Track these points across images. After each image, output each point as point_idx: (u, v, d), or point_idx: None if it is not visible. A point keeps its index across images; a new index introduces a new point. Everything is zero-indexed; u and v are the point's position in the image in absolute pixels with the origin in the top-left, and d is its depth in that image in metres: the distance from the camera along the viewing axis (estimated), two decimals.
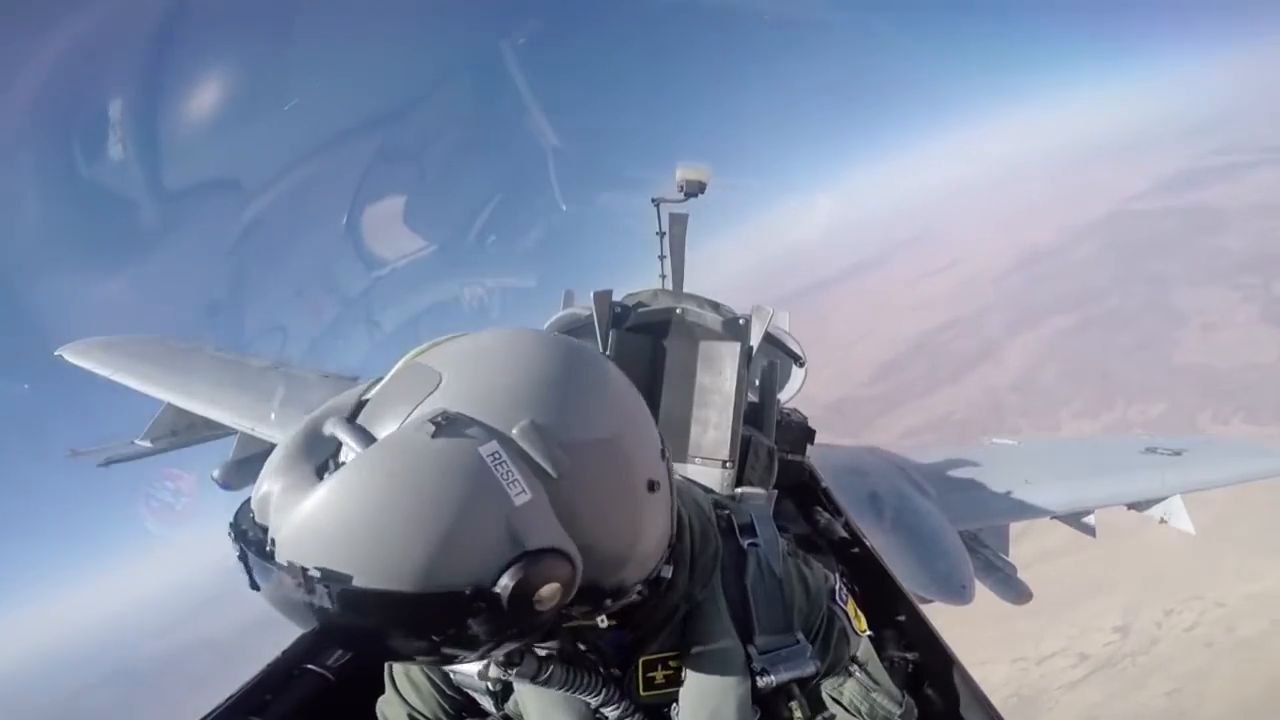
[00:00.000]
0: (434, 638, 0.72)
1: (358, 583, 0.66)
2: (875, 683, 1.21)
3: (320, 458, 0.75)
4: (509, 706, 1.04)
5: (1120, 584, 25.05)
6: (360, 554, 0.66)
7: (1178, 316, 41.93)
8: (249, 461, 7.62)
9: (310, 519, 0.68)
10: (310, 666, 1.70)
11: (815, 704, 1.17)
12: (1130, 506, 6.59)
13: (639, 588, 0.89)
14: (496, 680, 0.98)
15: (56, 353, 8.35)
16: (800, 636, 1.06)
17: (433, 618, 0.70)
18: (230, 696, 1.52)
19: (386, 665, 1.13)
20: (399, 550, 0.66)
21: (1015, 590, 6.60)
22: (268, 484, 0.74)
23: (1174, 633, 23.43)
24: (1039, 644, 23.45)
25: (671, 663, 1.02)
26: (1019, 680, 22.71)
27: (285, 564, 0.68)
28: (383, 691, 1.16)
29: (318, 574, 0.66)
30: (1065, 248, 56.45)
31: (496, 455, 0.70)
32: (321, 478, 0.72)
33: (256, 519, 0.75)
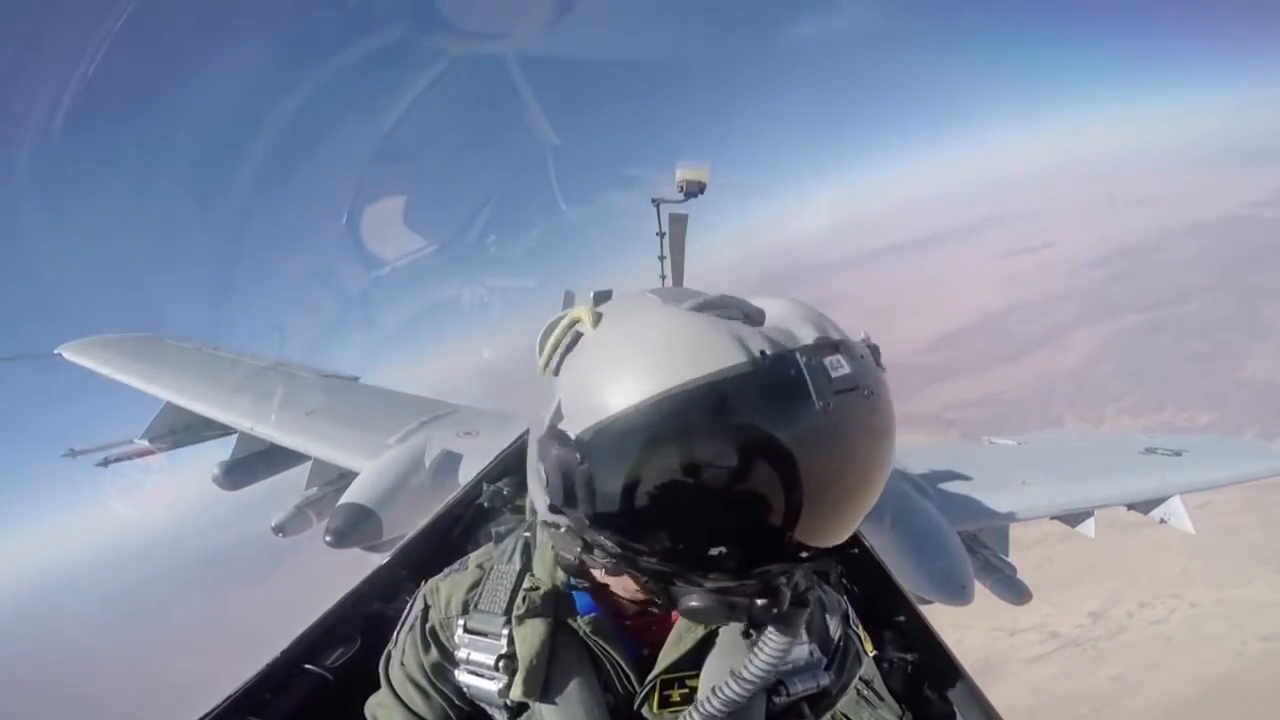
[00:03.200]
0: None
1: None
2: (880, 698, 1.23)
3: None
4: None
5: (1111, 574, 26.13)
6: None
7: (1261, 330, 40.78)
8: (249, 461, 7.62)
9: None
10: (309, 666, 1.68)
11: None
12: (1130, 507, 6.60)
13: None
14: (514, 699, 0.98)
15: (56, 351, 8.36)
16: (815, 651, 1.05)
17: None
18: (229, 696, 1.50)
19: (383, 667, 1.11)
20: None
21: (1015, 590, 6.61)
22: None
23: (1141, 624, 24.65)
24: (1017, 617, 24.43)
25: (689, 681, 1.00)
26: (989, 648, 23.98)
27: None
28: None
29: None
30: (1164, 245, 55.24)
31: None
32: None
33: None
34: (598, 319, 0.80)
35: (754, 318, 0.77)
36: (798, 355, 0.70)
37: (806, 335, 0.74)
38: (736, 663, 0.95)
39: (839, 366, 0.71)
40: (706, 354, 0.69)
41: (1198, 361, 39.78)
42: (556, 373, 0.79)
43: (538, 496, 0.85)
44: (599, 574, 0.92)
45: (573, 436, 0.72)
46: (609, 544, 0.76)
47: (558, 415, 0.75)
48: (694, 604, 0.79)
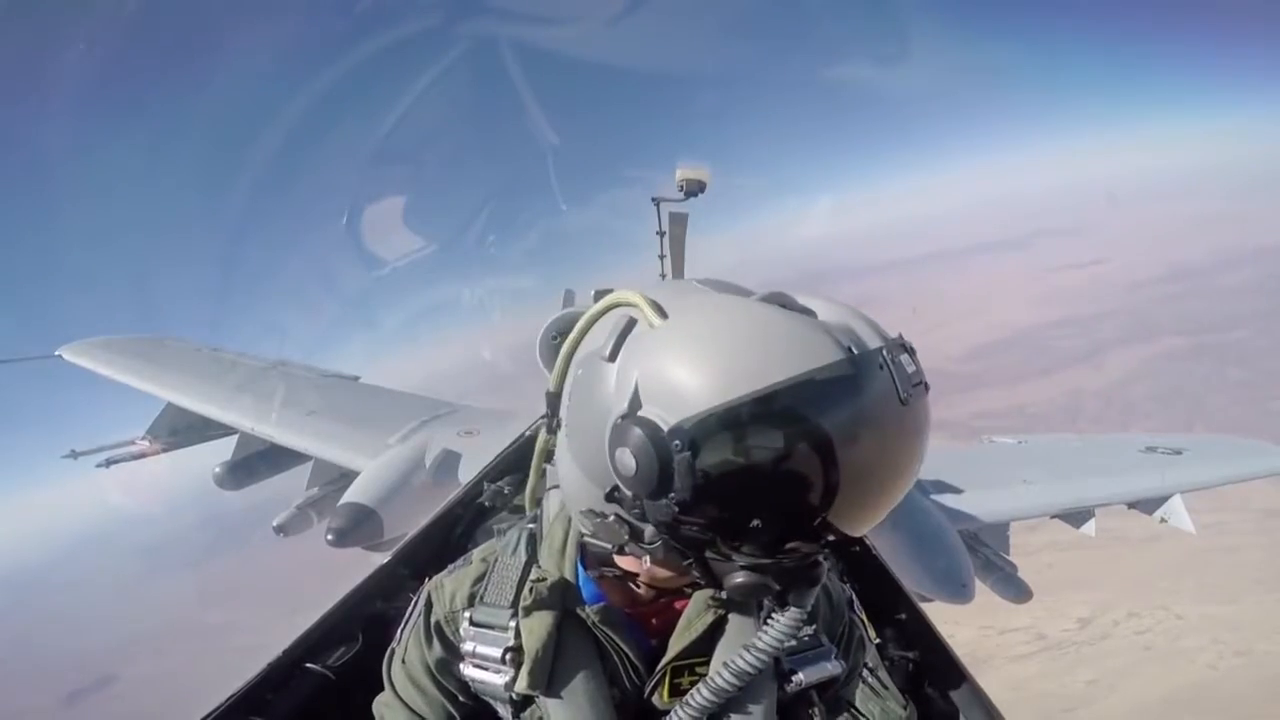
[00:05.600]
0: None
1: None
2: (884, 686, 1.23)
3: None
4: (525, 717, 1.01)
5: (1107, 583, 26.58)
6: None
7: None
8: (250, 461, 7.63)
9: None
10: (311, 665, 1.69)
11: (833, 711, 1.14)
12: (1130, 506, 6.60)
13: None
14: (520, 693, 0.97)
15: (56, 352, 8.37)
16: (824, 639, 1.06)
17: None
18: (231, 695, 1.50)
19: (386, 665, 1.10)
20: None
21: (1016, 589, 6.62)
22: None
23: (1125, 632, 25.21)
24: (1009, 617, 24.69)
25: (699, 669, 0.99)
26: (977, 644, 24.42)
27: None
28: (383, 690, 1.13)
29: None
30: (1222, 269, 53.77)
31: None
32: None
33: None
34: (656, 306, 0.79)
35: (810, 314, 0.78)
36: (884, 353, 0.73)
37: (870, 334, 0.76)
38: None
39: (910, 363, 0.76)
40: (803, 350, 0.71)
41: (1234, 389, 39.24)
42: (612, 358, 0.78)
43: (581, 486, 0.83)
44: (627, 562, 0.93)
45: (666, 426, 0.70)
46: (691, 531, 0.75)
47: (636, 403, 0.74)
48: (739, 580, 0.78)
